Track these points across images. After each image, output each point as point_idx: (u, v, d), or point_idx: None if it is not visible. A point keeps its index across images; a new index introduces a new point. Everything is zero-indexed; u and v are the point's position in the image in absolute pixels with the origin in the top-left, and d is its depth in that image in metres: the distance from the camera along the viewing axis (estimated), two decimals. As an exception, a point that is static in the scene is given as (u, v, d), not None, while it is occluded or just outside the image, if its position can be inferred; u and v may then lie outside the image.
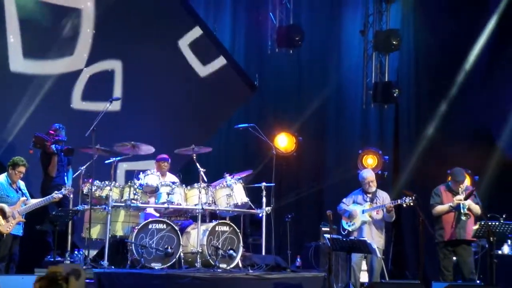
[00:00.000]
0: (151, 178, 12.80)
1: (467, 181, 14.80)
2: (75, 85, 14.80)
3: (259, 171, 14.27)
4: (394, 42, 16.57)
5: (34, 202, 11.89)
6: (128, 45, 15.08)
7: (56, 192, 12.07)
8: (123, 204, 12.56)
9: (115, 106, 14.36)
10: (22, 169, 11.81)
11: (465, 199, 12.03)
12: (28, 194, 12.01)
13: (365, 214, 12.35)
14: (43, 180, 13.27)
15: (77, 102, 14.82)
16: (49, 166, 13.20)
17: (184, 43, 15.56)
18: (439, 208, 12.16)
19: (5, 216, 11.51)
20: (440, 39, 16.47)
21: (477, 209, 12.08)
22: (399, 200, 12.16)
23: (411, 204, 11.97)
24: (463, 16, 16.17)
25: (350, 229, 12.41)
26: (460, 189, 12.12)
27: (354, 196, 12.62)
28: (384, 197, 12.52)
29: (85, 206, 12.41)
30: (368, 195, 12.52)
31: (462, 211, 11.91)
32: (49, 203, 12.12)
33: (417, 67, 17.13)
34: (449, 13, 16.36)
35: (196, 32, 15.66)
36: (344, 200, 12.66)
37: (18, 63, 14.44)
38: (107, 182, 12.65)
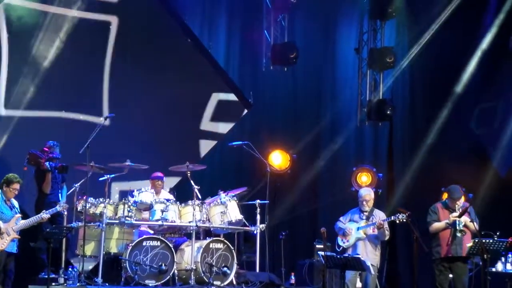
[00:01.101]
0: (145, 195, 12.81)
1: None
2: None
3: (254, 189, 14.25)
4: (389, 60, 16.61)
5: (24, 221, 11.85)
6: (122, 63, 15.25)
7: (44, 211, 11.99)
8: (117, 221, 12.56)
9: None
10: (17, 186, 11.79)
11: (460, 216, 12.04)
12: (19, 213, 11.99)
13: (359, 231, 12.37)
14: (38, 197, 13.25)
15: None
16: (43, 183, 13.19)
17: (178, 62, 15.65)
18: (436, 225, 12.18)
19: (-1, 233, 11.51)
20: (435, 57, 16.52)
21: (473, 226, 12.10)
22: (392, 217, 12.20)
23: (404, 220, 12.01)
24: (457, 33, 16.21)
25: (344, 245, 12.42)
26: (456, 206, 12.14)
27: (351, 214, 12.64)
28: (380, 216, 12.51)
29: (79, 223, 12.42)
30: (364, 213, 12.53)
31: (457, 227, 11.93)
32: (38, 222, 12.05)
33: (412, 84, 17.17)
34: (443, 31, 16.41)
35: (191, 50, 15.79)
36: (341, 218, 12.67)
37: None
38: (101, 199, 12.66)
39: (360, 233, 12.36)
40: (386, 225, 12.32)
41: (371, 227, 12.34)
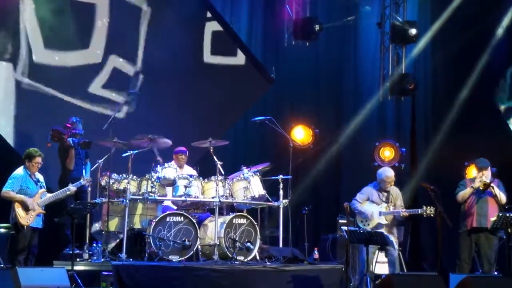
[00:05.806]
0: (169, 171, 12.83)
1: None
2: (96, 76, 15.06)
3: (276, 164, 14.24)
4: (411, 34, 16.48)
5: (50, 195, 11.94)
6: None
7: (71, 184, 12.13)
8: (140, 197, 12.61)
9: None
10: (39, 159, 11.86)
11: (483, 191, 12.07)
12: (45, 187, 12.08)
13: (382, 217, 12.36)
14: (61, 173, 13.33)
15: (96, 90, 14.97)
16: (67, 159, 13.25)
17: (201, 37, 15.64)
18: (462, 192, 12.24)
19: (25, 208, 11.58)
20: (458, 30, 16.39)
21: (503, 198, 12.12)
22: (419, 210, 12.24)
23: (431, 215, 12.04)
24: (481, 7, 16.06)
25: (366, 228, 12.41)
26: (483, 177, 12.15)
27: (368, 193, 12.58)
28: (396, 193, 12.55)
29: (103, 199, 12.47)
30: (384, 193, 12.50)
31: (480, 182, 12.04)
32: (65, 195, 12.15)
33: (434, 58, 17.04)
34: (466, 4, 16.25)
35: (213, 25, 15.75)
36: (357, 196, 12.61)
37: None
38: (124, 175, 12.70)
39: (383, 219, 12.36)
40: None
41: (395, 215, 12.36)
